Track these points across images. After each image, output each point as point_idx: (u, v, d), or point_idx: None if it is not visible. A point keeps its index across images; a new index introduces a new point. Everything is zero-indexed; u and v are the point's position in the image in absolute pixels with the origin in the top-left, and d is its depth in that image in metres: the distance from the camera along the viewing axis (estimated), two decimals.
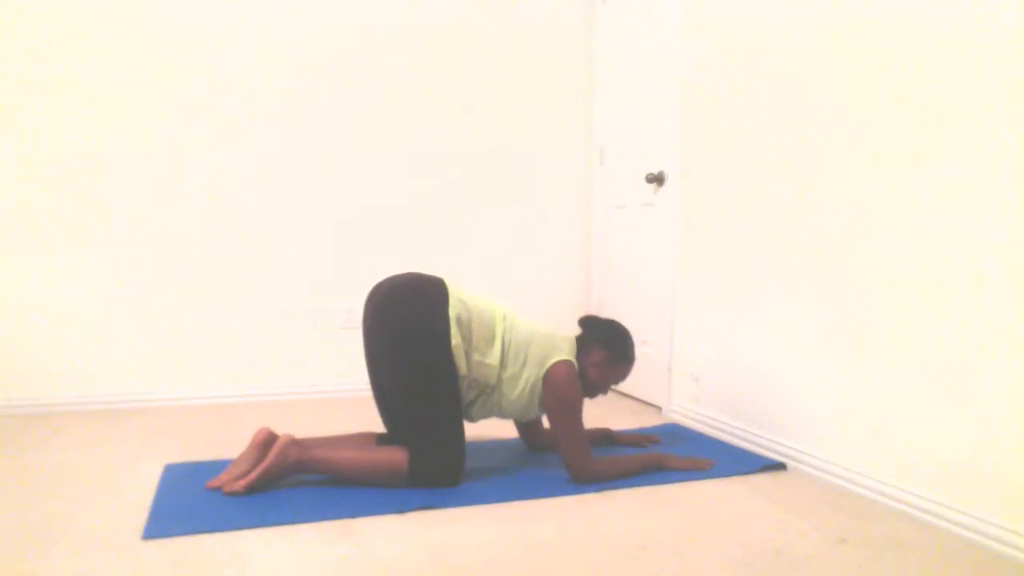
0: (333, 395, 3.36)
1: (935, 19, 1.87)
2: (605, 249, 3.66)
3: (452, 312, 2.06)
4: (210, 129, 3.15)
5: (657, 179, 3.15)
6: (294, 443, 2.01)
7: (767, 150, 2.47)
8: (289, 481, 2.08)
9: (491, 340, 2.12)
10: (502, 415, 2.23)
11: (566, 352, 2.18)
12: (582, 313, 3.75)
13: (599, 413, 3.12)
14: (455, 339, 2.04)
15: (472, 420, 2.23)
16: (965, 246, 1.79)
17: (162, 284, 3.12)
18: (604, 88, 3.64)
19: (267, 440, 2.07)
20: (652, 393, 3.26)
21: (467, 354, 2.08)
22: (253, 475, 1.97)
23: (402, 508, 1.90)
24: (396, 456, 2.04)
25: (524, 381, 2.14)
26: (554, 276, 3.73)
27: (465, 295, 2.16)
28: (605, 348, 2.26)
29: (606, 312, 3.57)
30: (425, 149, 3.46)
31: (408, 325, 2.03)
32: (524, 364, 2.14)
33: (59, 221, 2.98)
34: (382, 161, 3.40)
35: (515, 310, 2.10)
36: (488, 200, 3.58)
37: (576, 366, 2.17)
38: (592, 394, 2.29)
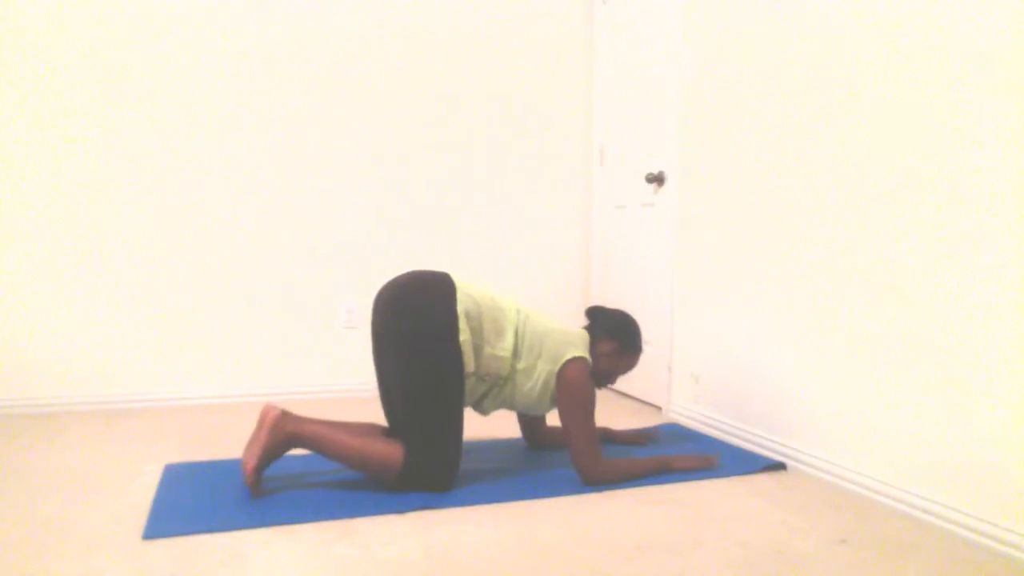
0: (333, 395, 3.36)
1: (936, 19, 1.87)
2: (605, 249, 3.66)
3: (460, 307, 2.05)
4: (210, 130, 3.15)
5: (657, 179, 3.15)
6: (285, 416, 2.00)
7: (767, 150, 2.47)
8: (289, 482, 2.08)
9: (502, 332, 2.11)
10: (513, 407, 2.23)
11: (580, 348, 2.18)
12: (582, 313, 3.75)
13: (599, 413, 3.11)
14: (464, 334, 2.03)
15: (484, 413, 2.23)
16: (965, 245, 1.79)
17: (162, 284, 3.12)
18: (604, 88, 3.64)
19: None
20: (652, 393, 3.26)
21: (478, 348, 2.08)
22: (253, 460, 1.96)
23: (402, 508, 1.90)
24: (392, 451, 2.01)
25: (538, 374, 2.14)
26: (554, 276, 3.73)
27: (473, 289, 2.14)
28: (614, 339, 2.28)
29: None
30: (425, 150, 3.46)
31: (415, 323, 2.02)
32: (539, 356, 2.13)
33: (59, 221, 2.98)
34: (382, 161, 3.40)
35: (529, 305, 2.10)
36: (488, 200, 3.57)
37: (590, 362, 2.19)
38: (601, 384, 2.31)
